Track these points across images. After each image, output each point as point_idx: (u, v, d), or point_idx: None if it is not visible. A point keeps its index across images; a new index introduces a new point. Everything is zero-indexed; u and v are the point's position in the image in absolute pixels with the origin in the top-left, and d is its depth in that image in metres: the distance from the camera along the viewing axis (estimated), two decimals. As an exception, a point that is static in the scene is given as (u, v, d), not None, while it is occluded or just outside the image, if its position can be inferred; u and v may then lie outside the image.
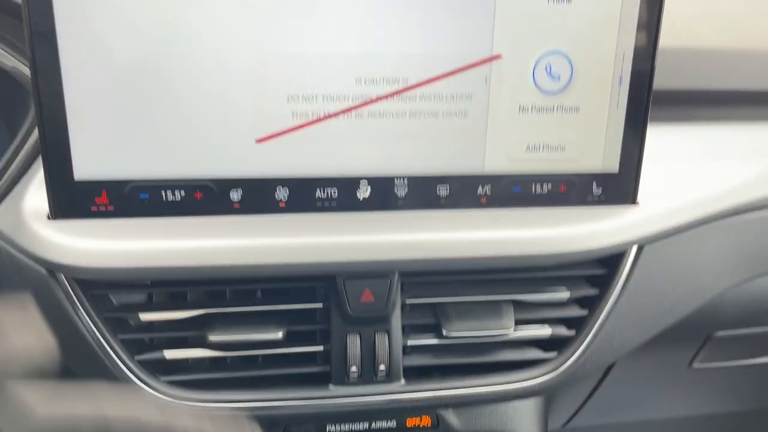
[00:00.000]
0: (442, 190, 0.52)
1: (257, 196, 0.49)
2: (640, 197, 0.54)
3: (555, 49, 0.50)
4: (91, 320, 0.49)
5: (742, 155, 0.61)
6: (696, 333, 0.69)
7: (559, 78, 0.50)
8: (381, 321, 0.52)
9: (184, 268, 0.48)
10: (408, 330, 0.54)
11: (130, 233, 0.47)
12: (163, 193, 0.48)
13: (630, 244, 0.54)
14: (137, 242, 0.47)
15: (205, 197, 0.49)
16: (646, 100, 0.52)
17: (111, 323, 0.51)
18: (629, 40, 0.50)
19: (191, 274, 0.49)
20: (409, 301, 0.53)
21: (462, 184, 0.52)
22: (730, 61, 0.65)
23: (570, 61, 0.50)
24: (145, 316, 0.51)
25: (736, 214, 0.58)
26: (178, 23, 0.45)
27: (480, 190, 0.52)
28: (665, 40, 0.64)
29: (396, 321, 0.52)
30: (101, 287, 0.50)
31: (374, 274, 0.51)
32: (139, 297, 0.52)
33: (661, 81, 0.62)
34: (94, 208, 0.48)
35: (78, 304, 0.49)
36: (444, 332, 0.53)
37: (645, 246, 0.55)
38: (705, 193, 0.57)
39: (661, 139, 0.60)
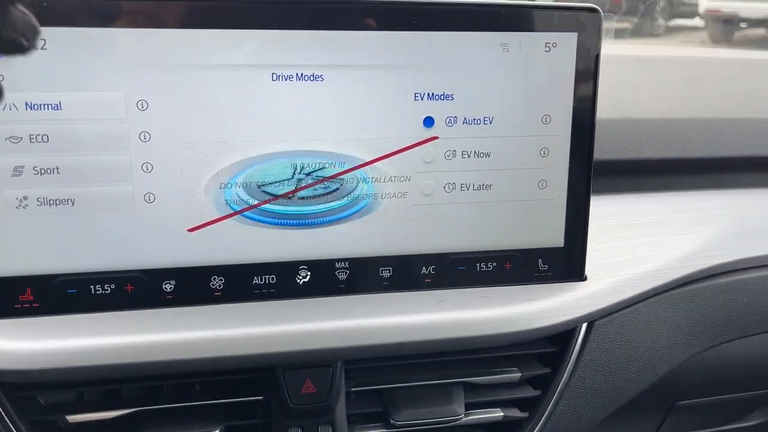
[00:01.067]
0: (385, 272, 0.51)
1: (191, 287, 0.48)
2: (587, 272, 0.54)
3: (486, 125, 0.50)
4: (14, 426, 0.46)
5: (689, 224, 0.61)
6: (659, 404, 0.68)
7: (489, 155, 0.50)
8: (324, 412, 0.50)
9: (116, 366, 0.46)
10: (354, 419, 0.52)
11: (58, 331, 0.45)
12: (92, 287, 0.46)
13: (579, 321, 0.53)
14: (65, 341, 0.45)
15: (136, 289, 0.47)
16: (588, 173, 0.52)
17: (37, 427, 0.48)
18: (566, 115, 0.51)
19: (125, 372, 0.46)
20: (354, 389, 0.51)
21: (405, 265, 0.51)
22: (674, 129, 0.66)
23: (502, 138, 0.50)
24: (75, 418, 0.48)
25: (685, 284, 0.58)
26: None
27: (424, 271, 0.51)
28: (608, 112, 0.65)
29: (340, 411, 0.50)
30: (27, 389, 0.47)
31: (316, 363, 0.49)
32: (69, 396, 0.49)
33: (605, 152, 0.63)
34: (18, 306, 0.46)
35: (0, 409, 0.46)
36: (392, 420, 0.51)
37: (595, 322, 0.54)
38: (654, 265, 0.56)
39: (607, 211, 0.60)
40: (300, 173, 0.47)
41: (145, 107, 0.44)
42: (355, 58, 0.46)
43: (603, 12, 0.50)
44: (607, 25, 0.51)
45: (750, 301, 0.61)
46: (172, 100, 0.45)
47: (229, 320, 0.47)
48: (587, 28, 0.50)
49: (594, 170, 0.59)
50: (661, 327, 0.57)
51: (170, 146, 0.45)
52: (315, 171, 0.48)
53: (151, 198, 0.46)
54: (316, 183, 0.48)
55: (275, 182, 0.47)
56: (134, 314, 0.47)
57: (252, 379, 0.50)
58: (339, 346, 0.48)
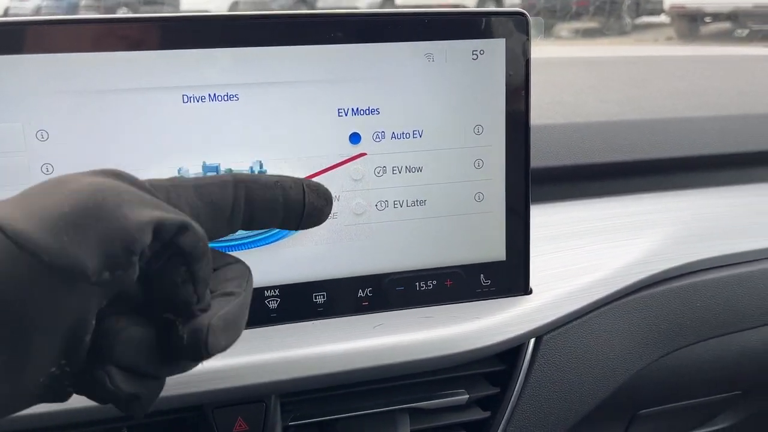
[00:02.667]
0: (319, 298, 0.48)
1: (108, 326, 0.45)
2: (533, 284, 0.52)
3: (416, 139, 0.48)
4: None
5: (638, 228, 0.59)
6: (619, 414, 0.66)
7: (421, 169, 0.48)
8: (260, 450, 0.47)
9: (31, 416, 0.42)
10: (294, 455, 0.49)
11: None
12: None
13: (526, 336, 0.51)
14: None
15: (49, 332, 0.44)
16: (525, 181, 0.50)
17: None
18: (499, 124, 0.49)
19: (43, 422, 0.43)
20: (292, 423, 0.49)
21: (340, 289, 0.48)
22: (620, 132, 0.64)
23: (434, 151, 0.48)
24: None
25: (636, 291, 0.56)
26: (1, 148, 0.41)
27: (360, 294, 0.49)
28: (553, 117, 0.64)
29: (278, 448, 0.47)
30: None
31: (247, 399, 0.46)
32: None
33: (550, 158, 0.61)
34: None
35: None
36: (334, 454, 0.48)
37: (543, 337, 0.52)
38: (602, 274, 0.54)
39: (554, 219, 0.58)
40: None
41: (45, 138, 0.42)
42: (271, 74, 0.44)
43: (530, 15, 0.48)
44: (534, 30, 0.49)
45: (704, 304, 0.59)
46: (75, 129, 0.42)
47: (152, 359, 0.44)
48: (515, 34, 0.48)
49: (540, 177, 0.58)
50: (613, 337, 0.55)
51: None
52: (236, 195, 0.45)
53: (59, 233, 0.43)
54: (238, 208, 0.45)
55: (194, 210, 0.45)
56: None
57: (181, 419, 0.47)
58: (270, 381, 0.45)
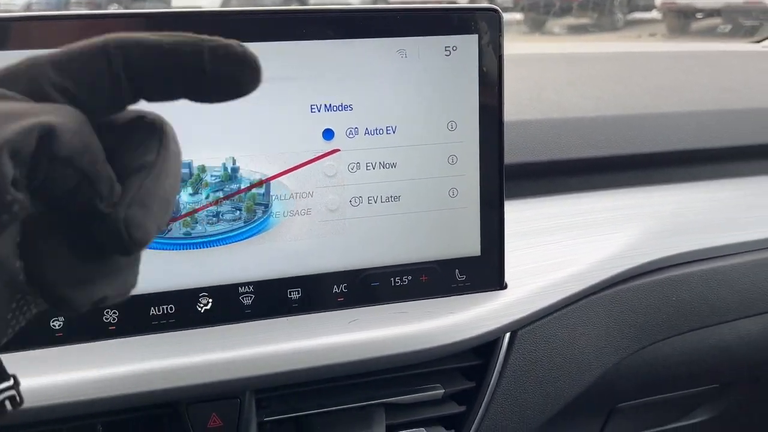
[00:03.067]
0: (294, 294, 0.48)
1: (81, 322, 0.44)
2: (507, 279, 0.52)
3: (390, 135, 0.48)
4: None
5: (614, 223, 0.60)
6: (597, 408, 0.66)
7: (395, 165, 0.48)
8: (234, 446, 0.47)
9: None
10: (270, 451, 0.49)
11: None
12: (-28, 330, 0.43)
13: (501, 331, 0.51)
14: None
15: (21, 328, 0.44)
16: (499, 177, 0.50)
17: None
18: (472, 120, 0.49)
19: (16, 418, 0.43)
20: (267, 419, 0.49)
21: (314, 286, 0.48)
22: (597, 127, 0.64)
23: (407, 147, 0.48)
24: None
25: (611, 286, 0.56)
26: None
27: (335, 289, 0.49)
28: (531, 113, 0.64)
29: (253, 444, 0.48)
30: None
31: (221, 395, 0.46)
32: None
33: (526, 154, 0.61)
34: None
35: None
36: (310, 449, 0.49)
37: (518, 331, 0.52)
38: (577, 268, 0.55)
39: (529, 215, 0.59)
40: (193, 194, 0.45)
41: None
42: (244, 71, 0.44)
43: (502, 11, 0.48)
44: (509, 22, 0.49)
45: (679, 298, 0.59)
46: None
47: (126, 355, 0.44)
48: (488, 29, 0.48)
49: (516, 173, 0.58)
50: (588, 331, 0.56)
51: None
52: (209, 191, 0.45)
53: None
54: (211, 204, 0.45)
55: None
56: (20, 355, 0.43)
57: (156, 415, 0.47)
58: (245, 376, 0.45)
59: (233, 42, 0.24)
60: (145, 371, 0.44)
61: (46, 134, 0.21)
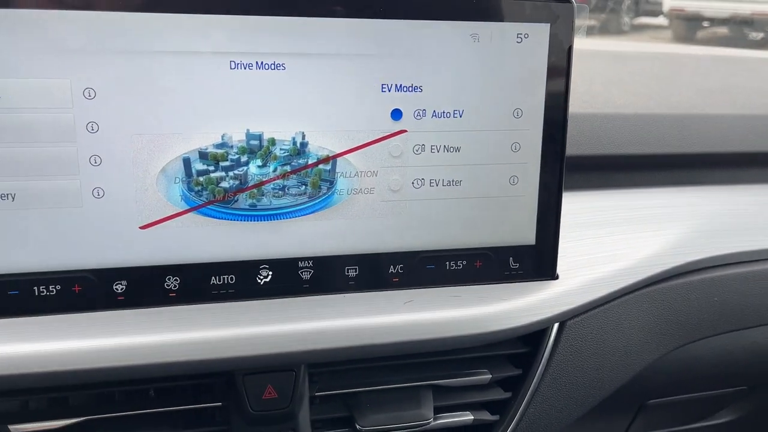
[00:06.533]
0: (351, 271, 0.48)
1: (144, 287, 0.45)
2: (559, 270, 0.52)
3: (456, 119, 0.48)
4: (-50, 436, 0.43)
5: (661, 221, 0.60)
6: (629, 403, 0.67)
7: (459, 150, 0.48)
8: (287, 419, 0.47)
9: (63, 373, 0.43)
10: (318, 426, 0.50)
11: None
12: (36, 288, 0.43)
13: (551, 321, 0.51)
14: (7, 346, 0.42)
15: (85, 290, 0.44)
16: (560, 167, 0.50)
17: (-23, 437, 0.44)
18: (538, 109, 0.49)
19: (72, 378, 0.43)
20: (318, 393, 0.49)
21: (372, 264, 0.49)
22: (647, 125, 0.65)
23: (473, 132, 0.48)
24: (19, 428, 0.45)
25: (657, 282, 0.57)
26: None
27: (392, 270, 0.49)
28: (581, 107, 0.64)
29: (304, 417, 0.48)
30: (-36, 397, 0.44)
31: (277, 367, 0.46)
32: (12, 405, 0.46)
33: (577, 147, 0.61)
34: (-46, 309, 0.43)
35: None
36: (358, 426, 0.49)
37: (567, 322, 0.53)
38: (626, 263, 0.55)
39: (579, 207, 0.59)
40: (261, 167, 0.45)
41: (92, 96, 0.41)
42: (319, 46, 0.44)
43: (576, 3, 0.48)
44: (580, 21, 0.49)
45: (721, 299, 0.60)
46: (122, 89, 0.42)
47: (185, 323, 0.44)
48: (560, 20, 0.48)
49: (568, 165, 0.58)
50: (633, 326, 0.56)
51: (120, 138, 0.42)
52: (277, 164, 0.45)
53: (100, 193, 0.43)
54: (278, 177, 0.45)
55: (234, 176, 0.45)
56: (82, 317, 0.44)
57: (210, 384, 0.48)
58: (302, 350, 0.45)
59: None
60: (204, 339, 0.44)
61: None
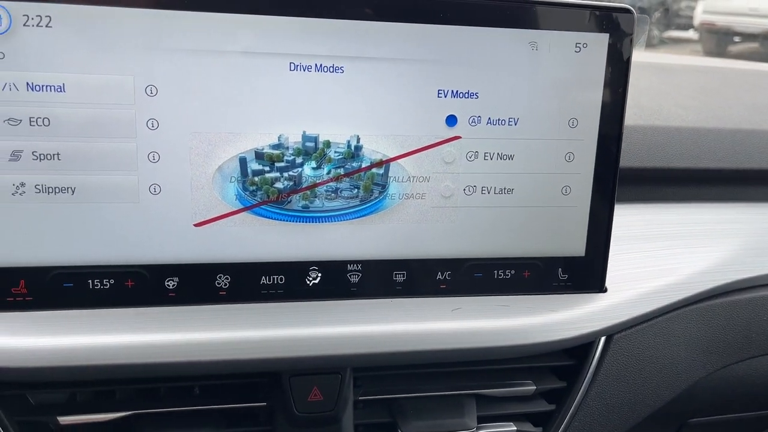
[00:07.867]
0: (399, 276, 0.48)
1: (195, 285, 0.45)
2: (607, 283, 0.51)
3: (511, 126, 0.47)
4: (2, 426, 0.44)
5: (711, 237, 0.59)
6: (671, 421, 0.65)
7: (512, 158, 0.48)
8: (331, 421, 0.47)
9: (112, 366, 0.43)
10: (361, 430, 0.49)
11: (52, 327, 0.43)
12: (90, 282, 0.44)
13: (598, 334, 0.51)
14: (59, 338, 0.42)
15: (137, 286, 0.44)
16: (613, 179, 0.50)
17: (26, 428, 0.45)
18: (593, 119, 0.48)
19: (120, 372, 0.44)
20: (362, 398, 0.49)
21: (420, 270, 0.48)
22: (700, 139, 0.63)
23: (527, 140, 0.48)
24: (66, 419, 0.45)
25: (705, 299, 0.56)
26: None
27: (439, 276, 0.49)
28: (631, 118, 0.63)
29: (348, 421, 0.48)
30: (16, 387, 0.45)
31: (324, 369, 0.46)
32: (60, 396, 0.47)
33: (628, 159, 0.60)
34: (10, 299, 0.43)
35: (-13, 407, 0.43)
36: (401, 432, 0.49)
37: (614, 336, 0.52)
38: (674, 279, 0.54)
39: (628, 220, 0.58)
40: (316, 168, 0.45)
41: (154, 93, 0.42)
42: (378, 50, 0.44)
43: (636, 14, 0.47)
44: (640, 32, 0.49)
45: (770, 318, 0.59)
46: (183, 87, 0.42)
47: (234, 321, 0.44)
48: (619, 30, 0.47)
49: (620, 177, 0.57)
50: (680, 342, 0.55)
51: (179, 135, 0.43)
52: (331, 167, 0.45)
53: (157, 189, 0.43)
54: (332, 180, 0.45)
55: (288, 177, 0.45)
56: (133, 312, 0.44)
57: (256, 383, 0.48)
58: (349, 353, 0.45)
59: None
60: (252, 339, 0.44)
61: None
